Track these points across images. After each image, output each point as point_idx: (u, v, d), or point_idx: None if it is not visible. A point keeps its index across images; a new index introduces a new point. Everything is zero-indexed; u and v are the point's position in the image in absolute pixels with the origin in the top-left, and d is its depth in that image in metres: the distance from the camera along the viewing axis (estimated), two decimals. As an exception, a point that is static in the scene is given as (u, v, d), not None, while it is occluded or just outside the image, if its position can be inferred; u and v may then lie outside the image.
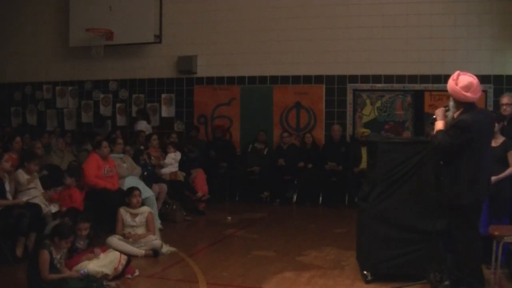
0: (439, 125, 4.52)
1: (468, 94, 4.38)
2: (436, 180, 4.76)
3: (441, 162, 4.51)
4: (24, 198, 6.09)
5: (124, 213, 6.31)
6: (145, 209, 6.42)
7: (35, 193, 6.28)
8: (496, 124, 5.47)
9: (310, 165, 9.53)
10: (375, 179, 5.12)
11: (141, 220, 6.30)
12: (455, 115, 4.52)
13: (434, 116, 4.66)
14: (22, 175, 6.25)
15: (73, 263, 5.02)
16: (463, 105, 4.45)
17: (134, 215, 6.31)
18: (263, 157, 9.97)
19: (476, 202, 4.46)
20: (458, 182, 4.37)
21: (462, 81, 4.41)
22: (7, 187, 6.03)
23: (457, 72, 4.52)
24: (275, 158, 9.83)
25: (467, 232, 4.42)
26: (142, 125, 10.18)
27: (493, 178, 5.10)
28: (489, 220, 5.23)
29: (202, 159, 9.80)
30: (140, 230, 6.26)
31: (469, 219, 4.43)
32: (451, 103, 4.54)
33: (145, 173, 8.00)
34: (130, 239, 6.11)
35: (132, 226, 6.26)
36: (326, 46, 9.96)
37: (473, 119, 4.38)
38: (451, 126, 4.41)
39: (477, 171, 4.41)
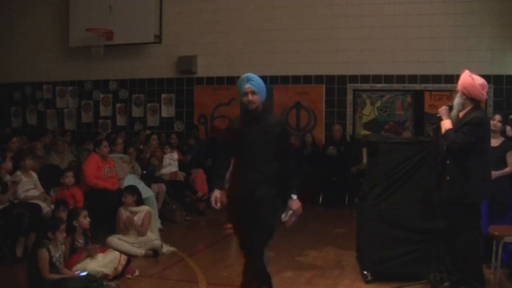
0: (447, 124, 4.51)
1: (484, 92, 4.44)
2: (437, 180, 4.76)
3: (448, 162, 4.49)
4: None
5: (124, 212, 6.32)
6: (144, 208, 6.42)
7: (33, 193, 6.29)
8: (500, 125, 5.51)
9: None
10: (375, 179, 5.12)
11: (140, 218, 6.30)
12: (461, 114, 4.52)
13: (438, 115, 4.65)
14: (19, 175, 6.27)
15: (73, 262, 5.04)
16: (474, 102, 4.47)
17: (134, 214, 6.31)
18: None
19: (483, 200, 4.49)
20: (469, 180, 4.36)
21: (478, 79, 4.45)
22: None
23: (466, 71, 4.53)
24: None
25: (471, 232, 4.42)
26: None
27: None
28: (491, 220, 5.23)
29: (201, 160, 9.80)
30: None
31: (474, 218, 4.44)
32: (457, 101, 4.52)
33: (144, 172, 8.00)
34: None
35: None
36: (326, 46, 9.96)
37: (485, 116, 4.47)
38: (464, 123, 4.39)
39: (486, 169, 4.44)
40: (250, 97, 4.13)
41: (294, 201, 4.05)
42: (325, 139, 10.01)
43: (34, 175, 6.49)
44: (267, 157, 4.05)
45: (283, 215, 4.06)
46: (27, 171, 6.38)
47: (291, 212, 4.05)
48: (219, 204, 4.15)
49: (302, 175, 9.43)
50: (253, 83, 4.17)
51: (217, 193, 4.16)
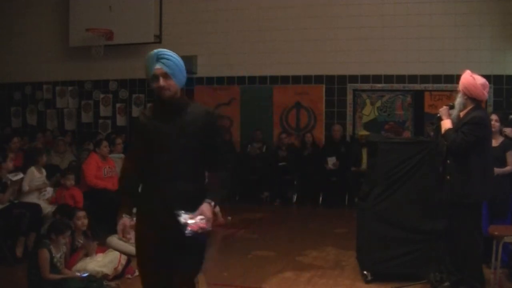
0: (447, 124, 4.52)
1: (485, 92, 4.45)
2: (437, 180, 4.76)
3: (448, 162, 4.49)
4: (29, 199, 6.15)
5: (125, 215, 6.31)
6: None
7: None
8: (498, 124, 5.52)
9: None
10: (375, 179, 5.12)
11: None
12: (462, 113, 4.52)
13: (438, 115, 4.66)
14: (33, 173, 6.34)
15: (72, 261, 5.04)
16: (475, 102, 4.47)
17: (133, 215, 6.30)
18: (261, 155, 9.97)
19: (483, 200, 4.49)
20: (469, 180, 4.36)
21: (479, 79, 4.45)
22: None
23: (467, 71, 4.53)
24: (274, 158, 9.83)
25: (471, 232, 4.42)
26: None
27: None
28: (491, 220, 5.23)
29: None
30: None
31: (474, 219, 4.44)
32: (459, 100, 4.52)
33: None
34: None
35: (132, 226, 6.26)
36: (326, 46, 9.96)
37: (485, 116, 4.48)
38: (464, 123, 4.39)
39: (487, 169, 4.44)
40: (161, 81, 2.92)
41: (206, 204, 2.86)
42: (325, 140, 10.01)
43: (44, 171, 6.59)
44: (190, 164, 2.92)
45: (186, 216, 2.81)
46: (39, 167, 6.44)
47: (200, 216, 2.82)
48: (129, 236, 3.17)
49: (303, 174, 9.56)
50: (165, 61, 2.94)
51: (125, 221, 3.14)
